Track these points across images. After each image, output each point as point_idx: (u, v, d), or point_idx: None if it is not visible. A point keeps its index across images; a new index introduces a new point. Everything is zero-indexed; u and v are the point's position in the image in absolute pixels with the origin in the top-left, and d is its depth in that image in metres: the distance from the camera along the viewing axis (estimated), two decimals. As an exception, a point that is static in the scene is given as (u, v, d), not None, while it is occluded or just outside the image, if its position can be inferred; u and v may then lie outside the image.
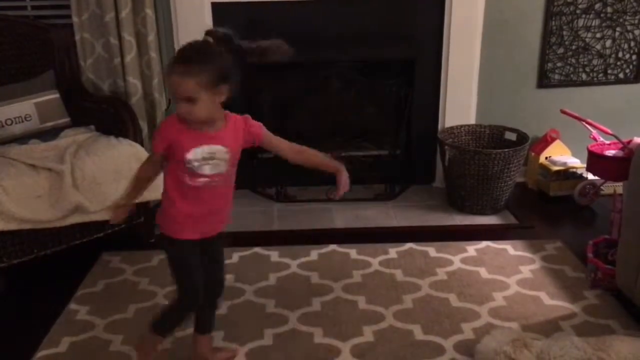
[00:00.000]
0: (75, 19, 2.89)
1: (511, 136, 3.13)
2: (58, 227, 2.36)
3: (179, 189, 1.64)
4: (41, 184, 2.30)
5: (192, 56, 1.52)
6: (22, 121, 2.67)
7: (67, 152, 2.45)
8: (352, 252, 2.62)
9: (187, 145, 1.57)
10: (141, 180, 1.74)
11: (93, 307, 2.26)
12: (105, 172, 2.43)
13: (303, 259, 2.57)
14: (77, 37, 2.92)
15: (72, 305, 2.27)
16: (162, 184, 1.70)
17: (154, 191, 2.57)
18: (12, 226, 2.24)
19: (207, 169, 1.60)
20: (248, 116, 1.71)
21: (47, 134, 2.66)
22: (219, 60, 1.54)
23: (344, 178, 1.71)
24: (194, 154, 1.57)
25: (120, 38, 2.90)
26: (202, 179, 1.61)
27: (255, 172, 3.36)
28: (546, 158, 3.23)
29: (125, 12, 2.85)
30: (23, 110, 2.67)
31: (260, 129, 1.70)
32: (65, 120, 2.79)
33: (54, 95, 2.78)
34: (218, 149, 1.60)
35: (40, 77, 2.82)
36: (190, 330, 1.92)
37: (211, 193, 1.66)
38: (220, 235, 1.77)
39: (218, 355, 1.95)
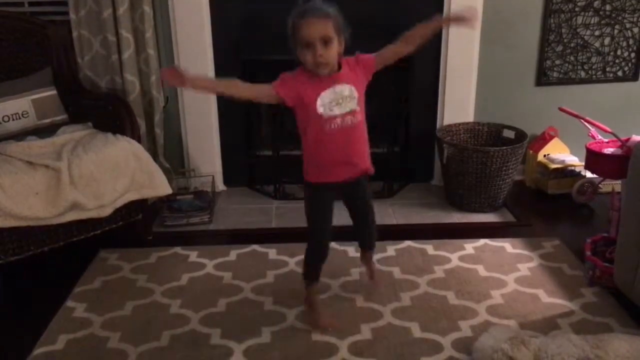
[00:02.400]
0: (72, 16, 2.88)
1: (509, 134, 3.12)
2: (55, 224, 2.36)
3: (316, 138, 1.85)
4: (38, 181, 2.29)
5: (326, 8, 1.76)
6: (19, 118, 2.66)
7: (64, 149, 2.45)
8: (350, 249, 2.61)
9: (314, 92, 1.80)
10: (230, 91, 1.88)
11: (90, 304, 2.26)
12: (103, 169, 2.42)
13: (301, 257, 2.54)
14: (75, 34, 2.92)
15: (70, 303, 2.27)
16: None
17: (153, 189, 2.60)
18: (9, 223, 2.24)
19: (337, 109, 1.82)
20: (357, 53, 1.89)
21: (45, 131, 2.65)
22: (339, 15, 1.79)
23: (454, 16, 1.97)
24: (322, 99, 1.80)
25: (117, 35, 2.89)
26: (337, 120, 1.83)
27: (254, 169, 3.36)
28: (544, 156, 3.23)
29: (122, 9, 2.84)
30: (20, 107, 2.67)
31: (370, 56, 1.89)
32: (63, 117, 2.78)
33: (51, 92, 2.77)
34: (342, 87, 1.82)
35: (38, 73, 2.81)
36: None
37: (347, 135, 1.86)
38: (359, 180, 2.01)
39: (375, 270, 2.31)
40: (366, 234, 2.23)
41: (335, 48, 1.77)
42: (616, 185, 3.05)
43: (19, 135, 2.61)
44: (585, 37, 3.20)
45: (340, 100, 1.82)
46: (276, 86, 1.84)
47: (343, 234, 2.73)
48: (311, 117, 1.84)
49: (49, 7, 3.06)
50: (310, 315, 2.11)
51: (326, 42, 1.73)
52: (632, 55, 3.26)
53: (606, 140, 3.02)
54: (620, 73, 3.29)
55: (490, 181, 2.93)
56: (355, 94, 1.85)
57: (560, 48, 3.21)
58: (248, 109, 3.25)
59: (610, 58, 3.25)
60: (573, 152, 3.24)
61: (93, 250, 2.63)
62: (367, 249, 2.29)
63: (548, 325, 2.09)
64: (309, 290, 2.14)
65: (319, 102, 1.81)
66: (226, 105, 3.20)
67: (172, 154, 3.24)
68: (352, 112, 1.86)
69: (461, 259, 2.55)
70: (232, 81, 1.92)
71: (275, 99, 1.85)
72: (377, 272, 2.36)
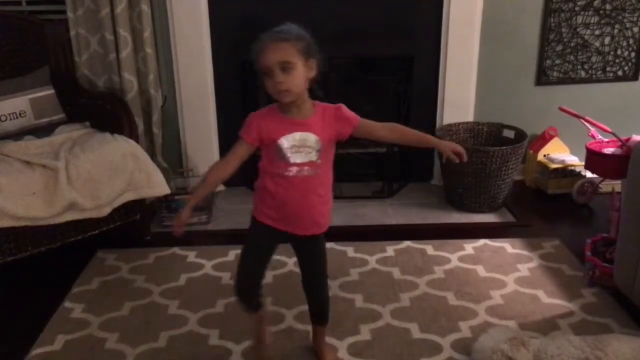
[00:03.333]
0: (70, 15, 2.88)
1: (509, 134, 3.12)
2: (53, 224, 2.35)
3: (271, 178, 1.68)
4: (36, 180, 2.28)
5: (288, 31, 1.58)
6: (17, 117, 2.65)
7: (62, 149, 2.44)
8: (350, 250, 2.61)
9: (278, 132, 1.62)
10: (215, 182, 1.73)
11: (88, 304, 2.25)
12: (101, 168, 2.41)
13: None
14: (72, 33, 2.91)
15: (67, 303, 2.26)
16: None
17: (151, 189, 2.59)
18: (7, 223, 2.23)
19: (298, 158, 1.64)
20: (342, 105, 1.71)
21: (42, 131, 2.64)
22: (307, 36, 1.60)
23: (449, 147, 1.82)
24: (285, 141, 1.62)
25: (115, 33, 2.89)
26: (293, 168, 1.64)
27: (252, 169, 3.34)
28: (544, 156, 3.23)
29: (120, 8, 2.83)
30: (18, 106, 2.66)
31: (356, 116, 1.71)
32: (60, 116, 2.77)
33: (49, 91, 2.76)
34: (308, 136, 1.63)
35: (35, 72, 2.80)
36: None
37: (302, 186, 1.67)
38: (316, 237, 1.79)
39: (327, 349, 1.96)
40: (312, 304, 1.92)
41: (299, 75, 1.56)
42: (616, 185, 3.04)
43: (17, 135, 2.60)
44: (585, 37, 3.19)
45: (302, 149, 1.64)
46: (244, 135, 1.65)
47: (342, 234, 2.74)
48: (271, 157, 1.66)
49: (46, 5, 3.05)
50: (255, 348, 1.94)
51: (284, 68, 1.53)
52: (632, 54, 3.25)
53: (606, 140, 3.01)
54: (620, 73, 3.28)
55: (490, 181, 2.92)
56: (320, 146, 1.64)
57: (560, 47, 3.20)
58: (247, 108, 3.23)
59: (610, 57, 3.24)
60: (573, 152, 3.23)
61: (91, 251, 2.62)
62: (316, 323, 1.95)
63: (548, 326, 2.08)
64: (250, 318, 1.90)
65: (279, 143, 1.63)
66: (225, 104, 3.19)
67: (170, 154, 3.23)
68: (310, 164, 1.65)
69: (461, 259, 2.54)
70: (212, 170, 1.71)
71: (253, 148, 1.67)
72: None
